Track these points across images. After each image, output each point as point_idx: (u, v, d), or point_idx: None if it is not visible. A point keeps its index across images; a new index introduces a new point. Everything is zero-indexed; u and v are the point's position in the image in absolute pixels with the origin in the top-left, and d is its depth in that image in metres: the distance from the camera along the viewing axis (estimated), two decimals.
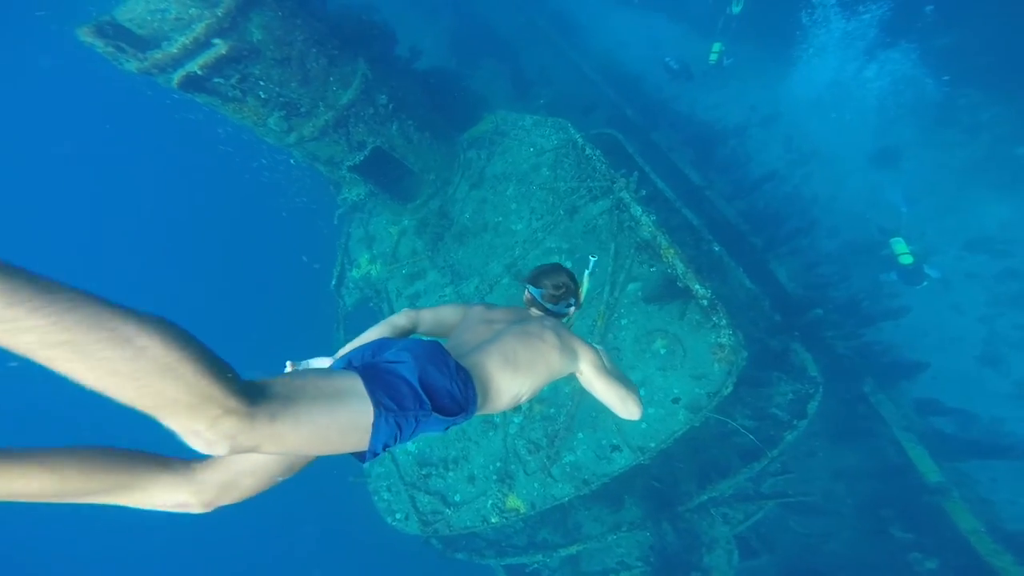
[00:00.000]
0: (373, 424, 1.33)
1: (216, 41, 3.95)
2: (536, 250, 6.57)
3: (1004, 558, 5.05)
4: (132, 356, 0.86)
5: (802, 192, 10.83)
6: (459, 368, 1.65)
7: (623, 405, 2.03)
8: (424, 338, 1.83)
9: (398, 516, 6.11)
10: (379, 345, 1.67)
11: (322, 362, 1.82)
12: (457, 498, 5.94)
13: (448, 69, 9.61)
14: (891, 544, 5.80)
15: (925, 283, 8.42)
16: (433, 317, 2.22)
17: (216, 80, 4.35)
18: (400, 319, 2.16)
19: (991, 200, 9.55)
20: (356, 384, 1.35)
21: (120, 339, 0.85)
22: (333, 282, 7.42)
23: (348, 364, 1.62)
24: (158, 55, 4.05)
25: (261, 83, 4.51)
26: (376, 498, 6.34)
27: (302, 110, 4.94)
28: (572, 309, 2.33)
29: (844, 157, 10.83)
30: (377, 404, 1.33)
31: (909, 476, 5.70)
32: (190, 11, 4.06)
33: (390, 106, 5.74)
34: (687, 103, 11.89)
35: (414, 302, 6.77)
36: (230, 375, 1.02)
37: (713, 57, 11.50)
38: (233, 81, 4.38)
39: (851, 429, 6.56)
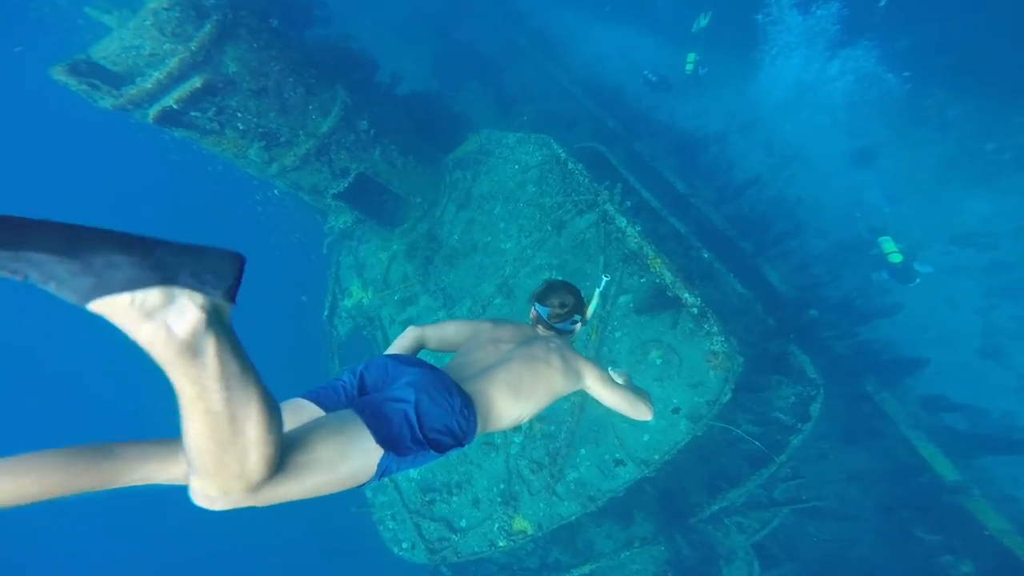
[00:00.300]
0: (376, 468, 1.40)
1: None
2: (527, 267, 6.51)
3: None
4: (235, 433, 0.98)
5: (787, 195, 10.90)
6: (464, 400, 1.68)
7: (633, 409, 2.14)
8: (433, 356, 1.86)
9: (404, 545, 5.92)
10: (390, 369, 1.71)
11: None
12: (463, 523, 5.77)
13: (431, 92, 9.70)
14: (919, 547, 5.62)
15: (917, 280, 8.41)
16: (438, 335, 2.25)
17: (193, 114, 4.29)
18: (406, 340, 2.20)
19: (969, 195, 9.67)
20: (362, 434, 1.38)
21: (239, 425, 0.98)
22: (325, 313, 7.29)
23: (361, 381, 1.70)
24: (133, 91, 4.00)
25: (239, 115, 4.44)
26: (381, 528, 6.16)
27: (282, 140, 4.88)
28: (578, 326, 2.35)
29: (824, 158, 10.96)
30: (386, 450, 1.40)
31: (924, 475, 5.57)
32: (164, 46, 4.01)
33: (372, 131, 5.70)
34: (667, 113, 12.03)
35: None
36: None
37: (689, 67, 11.69)
38: (210, 114, 4.32)
39: (859, 429, 6.46)
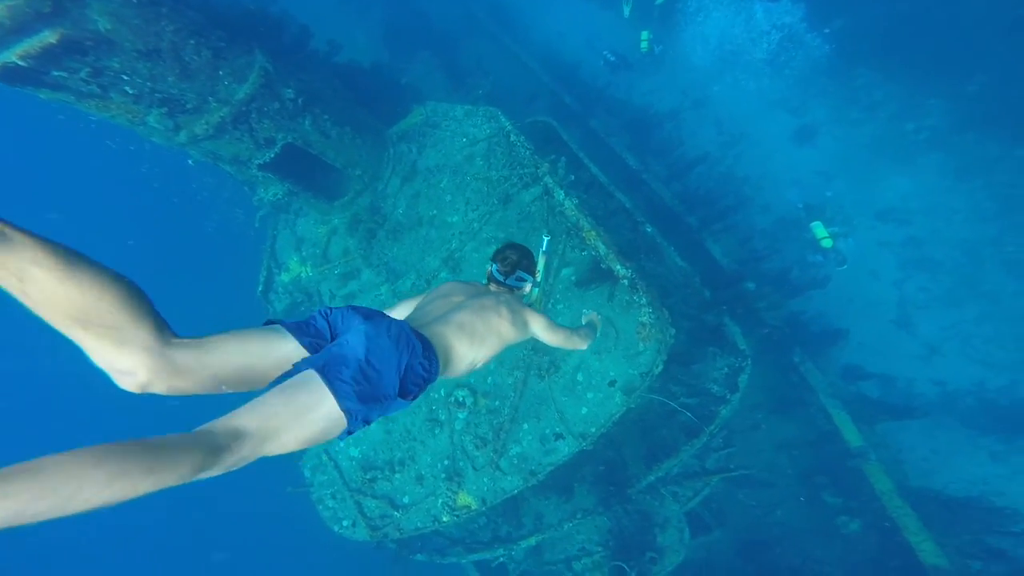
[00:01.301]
0: (346, 428, 1.41)
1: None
2: (473, 241, 6.18)
3: (907, 513, 5.13)
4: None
5: (735, 172, 10.87)
6: (425, 345, 1.69)
7: (572, 344, 2.45)
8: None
9: (345, 523, 5.67)
10: (351, 319, 1.64)
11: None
12: (406, 500, 5.56)
13: (377, 62, 8.96)
14: (824, 509, 5.83)
15: (846, 266, 8.63)
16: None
17: (56, 73, 3.56)
18: None
19: (892, 173, 9.83)
20: (323, 393, 1.36)
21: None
22: (259, 288, 6.75)
23: (327, 326, 1.62)
24: None
25: (125, 77, 3.75)
26: (320, 507, 5.87)
27: (188, 106, 4.21)
28: (528, 285, 2.46)
29: (769, 136, 10.92)
30: (349, 412, 1.39)
31: (837, 442, 5.73)
32: None
33: (299, 100, 5.08)
34: (624, 90, 11.71)
35: (349, 302, 6.26)
36: (188, 454, 1.05)
37: (644, 45, 11.37)
38: (83, 75, 3.60)
39: (788, 399, 6.55)
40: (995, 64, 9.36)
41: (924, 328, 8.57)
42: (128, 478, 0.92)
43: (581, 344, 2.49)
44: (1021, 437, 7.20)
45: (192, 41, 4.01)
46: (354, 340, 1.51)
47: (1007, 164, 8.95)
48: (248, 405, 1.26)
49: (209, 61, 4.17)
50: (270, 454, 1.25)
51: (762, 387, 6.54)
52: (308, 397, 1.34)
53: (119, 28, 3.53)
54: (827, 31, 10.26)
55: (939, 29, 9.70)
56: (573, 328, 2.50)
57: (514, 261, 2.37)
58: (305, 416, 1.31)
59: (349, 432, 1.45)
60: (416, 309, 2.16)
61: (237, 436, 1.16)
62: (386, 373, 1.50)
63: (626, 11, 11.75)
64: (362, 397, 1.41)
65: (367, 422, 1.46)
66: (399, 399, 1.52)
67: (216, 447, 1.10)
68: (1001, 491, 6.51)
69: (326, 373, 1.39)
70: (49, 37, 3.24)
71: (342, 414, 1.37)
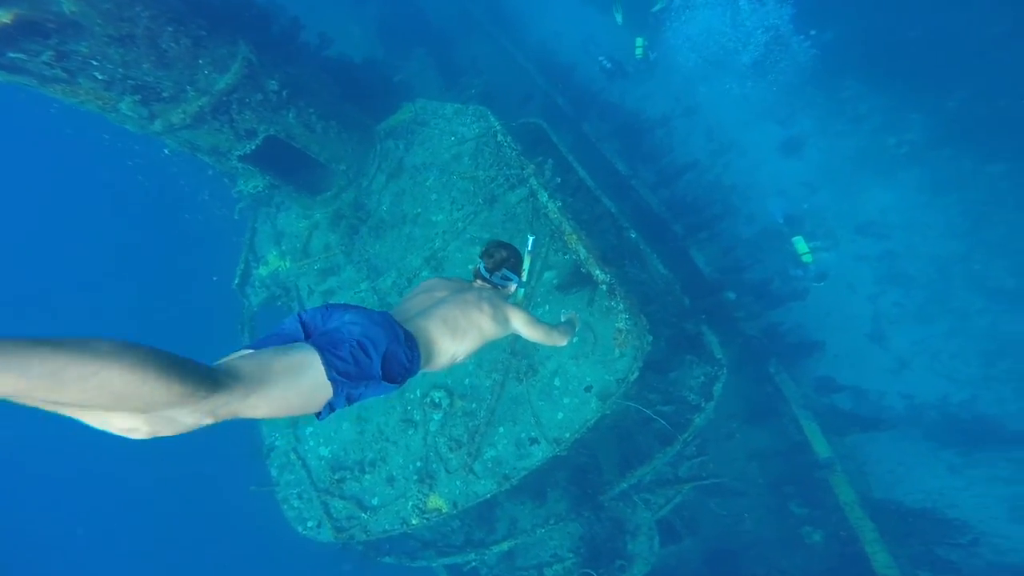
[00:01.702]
0: (331, 397, 1.44)
1: None
2: (457, 241, 6.11)
3: (866, 524, 5.21)
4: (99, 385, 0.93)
5: (723, 181, 10.91)
6: (407, 334, 1.75)
7: (551, 340, 2.42)
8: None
9: (310, 524, 5.55)
10: (333, 312, 1.69)
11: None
12: (375, 501, 5.47)
13: (371, 57, 8.82)
14: (790, 519, 5.89)
15: (823, 284, 8.74)
16: None
17: (12, 55, 3.36)
18: None
19: (873, 186, 9.91)
20: (313, 359, 1.41)
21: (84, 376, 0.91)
22: (235, 280, 6.60)
23: (301, 324, 1.65)
24: None
25: (94, 63, 3.59)
26: (285, 507, 5.74)
27: (164, 95, 4.08)
28: (513, 285, 2.48)
29: (757, 146, 10.97)
30: (335, 381, 1.42)
31: (807, 453, 5.79)
32: None
33: (284, 93, 4.95)
34: (617, 94, 11.68)
35: (328, 299, 6.15)
36: (195, 374, 1.10)
37: (639, 52, 11.31)
38: (45, 59, 3.42)
39: (762, 409, 6.60)
40: (975, 81, 9.51)
41: (896, 342, 8.70)
42: (145, 370, 0.98)
43: (561, 340, 2.47)
44: (977, 451, 7.39)
45: (170, 28, 3.86)
46: (342, 327, 1.59)
47: (979, 181, 9.11)
48: (245, 355, 1.35)
49: (188, 49, 4.03)
50: (254, 411, 1.27)
51: (737, 396, 6.58)
52: (301, 358, 1.39)
53: (87, 11, 3.36)
54: (814, 33, 10.28)
55: (924, 44, 9.83)
56: (553, 324, 2.50)
57: (502, 258, 2.41)
58: (295, 375, 1.35)
59: (331, 408, 1.48)
60: (399, 305, 2.20)
61: (232, 374, 1.22)
62: (374, 355, 1.56)
63: (618, 18, 11.67)
64: (349, 373, 1.46)
65: (349, 399, 1.50)
66: (383, 382, 1.57)
67: (213, 379, 1.16)
68: (954, 503, 6.68)
69: (318, 345, 1.46)
70: (2, 17, 3.07)
71: (328, 384, 1.41)
